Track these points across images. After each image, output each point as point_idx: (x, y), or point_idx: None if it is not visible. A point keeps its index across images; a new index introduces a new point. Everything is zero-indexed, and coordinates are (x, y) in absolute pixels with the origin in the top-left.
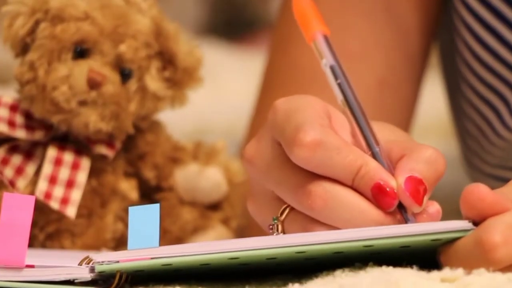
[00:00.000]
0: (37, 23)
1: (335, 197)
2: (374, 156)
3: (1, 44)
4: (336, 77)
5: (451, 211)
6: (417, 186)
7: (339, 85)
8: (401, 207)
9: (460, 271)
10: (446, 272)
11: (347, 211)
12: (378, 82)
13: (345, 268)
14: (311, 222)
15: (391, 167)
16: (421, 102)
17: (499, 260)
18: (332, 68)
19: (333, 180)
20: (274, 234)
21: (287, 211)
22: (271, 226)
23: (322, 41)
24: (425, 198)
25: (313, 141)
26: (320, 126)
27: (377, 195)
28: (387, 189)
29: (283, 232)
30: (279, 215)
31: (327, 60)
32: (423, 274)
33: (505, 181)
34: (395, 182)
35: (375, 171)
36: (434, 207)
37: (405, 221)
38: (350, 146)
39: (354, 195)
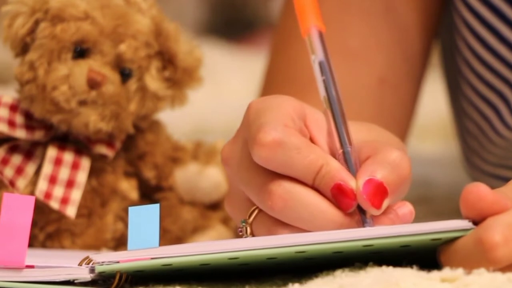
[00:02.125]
0: (37, 23)
1: (295, 197)
2: (344, 155)
3: (1, 44)
4: (322, 74)
5: (451, 211)
6: (376, 189)
7: (324, 81)
8: (361, 208)
9: (460, 271)
10: (446, 272)
11: (307, 211)
12: (379, 81)
13: (345, 268)
14: (275, 224)
15: (359, 167)
16: (421, 102)
17: (499, 260)
18: (320, 64)
19: (294, 180)
20: (244, 236)
21: (255, 213)
22: (240, 229)
23: (316, 36)
24: (386, 201)
25: (273, 141)
26: (283, 126)
27: (337, 196)
28: (347, 190)
29: (252, 234)
30: (247, 217)
31: (317, 56)
32: (423, 274)
33: (505, 180)
34: (355, 183)
35: (336, 171)
36: (407, 208)
37: (362, 223)
38: (311, 146)
39: (314, 195)
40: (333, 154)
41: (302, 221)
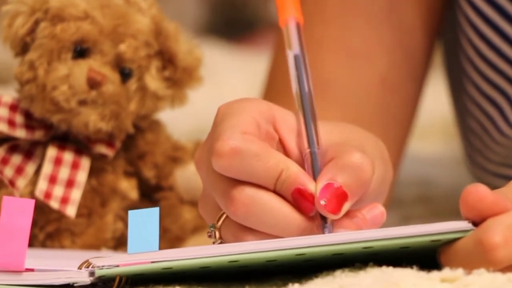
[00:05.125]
0: (37, 22)
1: (258, 202)
2: (311, 155)
3: (1, 44)
4: (297, 68)
5: (451, 211)
6: (334, 194)
7: (298, 76)
8: None
9: (460, 271)
10: (446, 272)
11: (270, 216)
12: (380, 81)
13: (345, 268)
14: (240, 230)
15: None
16: (424, 102)
17: (500, 261)
18: (295, 58)
19: (256, 185)
20: (212, 241)
21: (223, 217)
22: (209, 233)
23: (293, 27)
24: (346, 205)
25: (230, 150)
26: (241, 134)
27: (297, 200)
28: (306, 194)
29: (221, 238)
30: (216, 222)
31: (292, 49)
32: (423, 275)
33: (508, 179)
34: (314, 187)
35: (296, 176)
36: (377, 210)
37: (322, 228)
38: (271, 151)
39: (277, 200)
40: (302, 155)
41: (266, 225)
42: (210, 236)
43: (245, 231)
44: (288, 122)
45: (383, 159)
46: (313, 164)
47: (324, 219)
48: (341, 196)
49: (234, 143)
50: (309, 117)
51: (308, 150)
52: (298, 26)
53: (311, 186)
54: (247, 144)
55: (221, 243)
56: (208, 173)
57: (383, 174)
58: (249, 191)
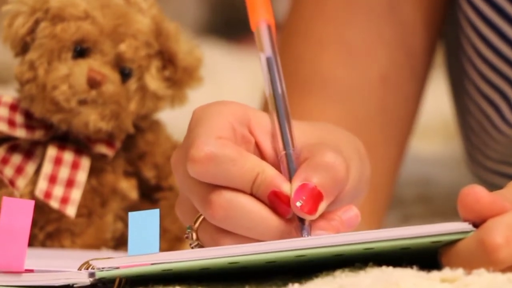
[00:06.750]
0: (37, 22)
1: (236, 206)
2: (286, 157)
3: (1, 44)
4: (270, 70)
5: (451, 211)
6: (309, 194)
7: (271, 79)
8: None
9: (460, 271)
10: (446, 272)
11: (248, 219)
12: (381, 79)
13: (345, 268)
14: (218, 232)
15: None
16: (424, 102)
17: (502, 261)
18: (268, 60)
19: (234, 189)
20: (190, 243)
21: (200, 219)
22: (186, 235)
23: (265, 30)
24: (322, 205)
25: (205, 156)
26: (215, 139)
27: (273, 203)
28: (282, 196)
29: (198, 240)
30: (193, 224)
31: (265, 51)
32: (423, 274)
33: (508, 177)
34: (289, 189)
35: (272, 179)
36: (352, 211)
37: (300, 229)
38: (246, 155)
39: (254, 203)
40: (278, 157)
41: (244, 228)
42: (187, 238)
43: (223, 233)
44: (263, 124)
45: (360, 158)
46: (288, 166)
47: (301, 221)
48: (316, 196)
49: (209, 149)
50: (283, 119)
51: (283, 152)
52: (269, 29)
53: (286, 188)
54: (222, 149)
55: (198, 244)
56: (185, 177)
57: (359, 174)
58: (227, 195)
